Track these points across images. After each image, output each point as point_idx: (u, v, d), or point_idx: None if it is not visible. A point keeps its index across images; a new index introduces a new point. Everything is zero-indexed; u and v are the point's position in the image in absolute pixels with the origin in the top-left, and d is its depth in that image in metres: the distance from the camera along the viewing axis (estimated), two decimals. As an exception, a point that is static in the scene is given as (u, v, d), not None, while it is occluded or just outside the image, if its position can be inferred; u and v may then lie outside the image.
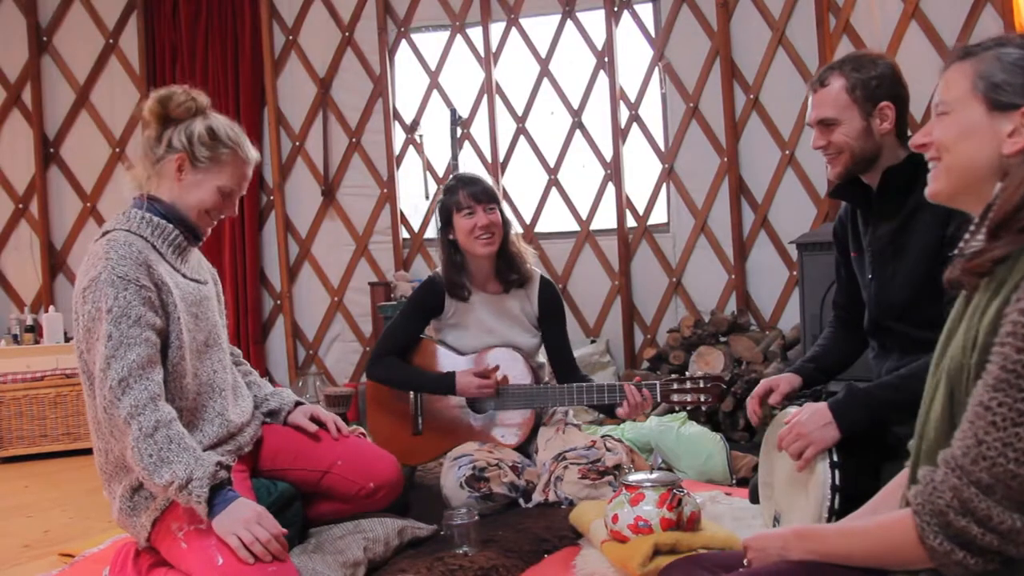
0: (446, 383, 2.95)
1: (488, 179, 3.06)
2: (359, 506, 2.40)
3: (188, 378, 2.12)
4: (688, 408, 2.80)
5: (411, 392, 3.05)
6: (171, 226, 2.15)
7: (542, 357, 3.12)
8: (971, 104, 1.27)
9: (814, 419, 2.02)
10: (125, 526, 2.14)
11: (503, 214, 3.00)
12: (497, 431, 3.00)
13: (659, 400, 2.74)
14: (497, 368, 2.95)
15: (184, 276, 2.18)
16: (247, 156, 2.23)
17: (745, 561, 1.40)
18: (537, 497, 2.80)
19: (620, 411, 2.78)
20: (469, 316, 3.04)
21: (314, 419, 2.44)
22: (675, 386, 2.72)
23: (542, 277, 3.10)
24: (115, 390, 1.95)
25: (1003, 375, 1.13)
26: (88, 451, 4.43)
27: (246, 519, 1.92)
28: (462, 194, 2.96)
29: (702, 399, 2.71)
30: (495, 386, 2.93)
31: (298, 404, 2.48)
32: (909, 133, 2.15)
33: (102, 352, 1.97)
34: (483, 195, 2.95)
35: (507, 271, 3.02)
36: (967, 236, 1.29)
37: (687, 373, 2.76)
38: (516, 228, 3.13)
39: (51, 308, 4.90)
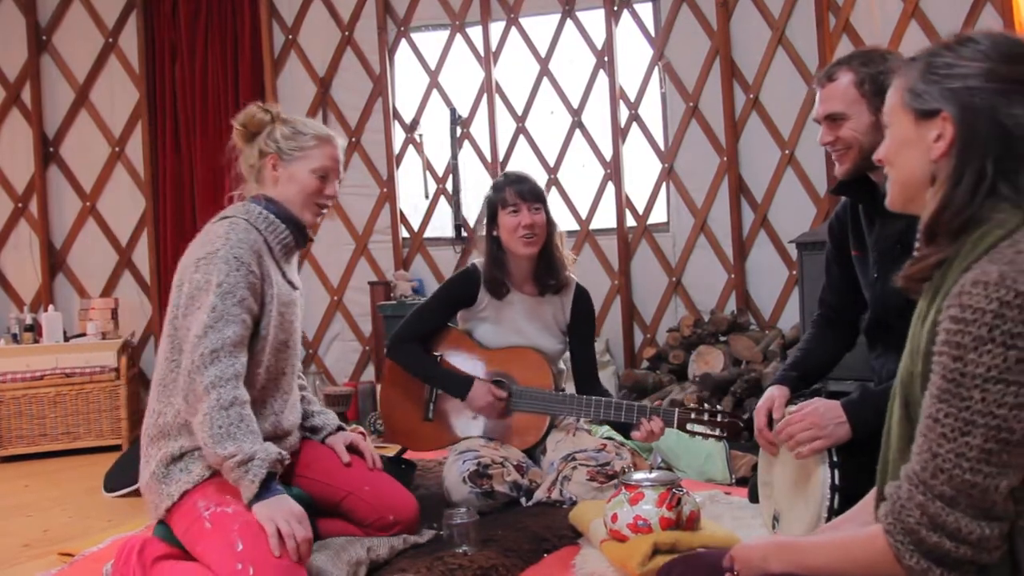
0: (460, 387, 2.94)
1: (537, 180, 3.05)
2: (370, 533, 2.42)
3: (261, 369, 2.25)
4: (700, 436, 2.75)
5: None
6: (283, 225, 2.33)
7: (563, 365, 3.13)
8: (901, 116, 1.31)
9: (829, 414, 2.01)
10: (149, 492, 2.17)
11: (549, 216, 3.00)
12: (503, 431, 2.99)
13: (675, 427, 2.70)
14: (509, 396, 2.94)
15: (283, 276, 2.35)
16: (327, 135, 2.44)
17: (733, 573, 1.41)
18: (540, 494, 2.78)
19: (636, 434, 2.74)
20: (501, 313, 3.04)
21: (352, 447, 2.53)
22: (693, 416, 2.69)
23: (578, 285, 3.10)
24: (205, 357, 2.07)
25: (944, 384, 1.14)
26: (87, 451, 4.48)
27: (288, 512, 1.99)
28: (509, 191, 2.96)
29: (717, 433, 2.67)
30: (501, 412, 2.94)
31: (339, 428, 2.59)
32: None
33: (202, 320, 2.09)
34: (530, 194, 2.96)
35: (545, 275, 3.02)
36: (916, 243, 1.32)
37: (706, 405, 2.72)
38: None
39: (50, 307, 4.89)
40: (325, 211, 2.45)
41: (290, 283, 2.38)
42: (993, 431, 1.11)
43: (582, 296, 3.10)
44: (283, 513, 1.98)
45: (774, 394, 2.25)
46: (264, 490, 2.00)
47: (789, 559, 1.32)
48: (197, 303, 2.12)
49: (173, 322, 2.19)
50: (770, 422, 2.21)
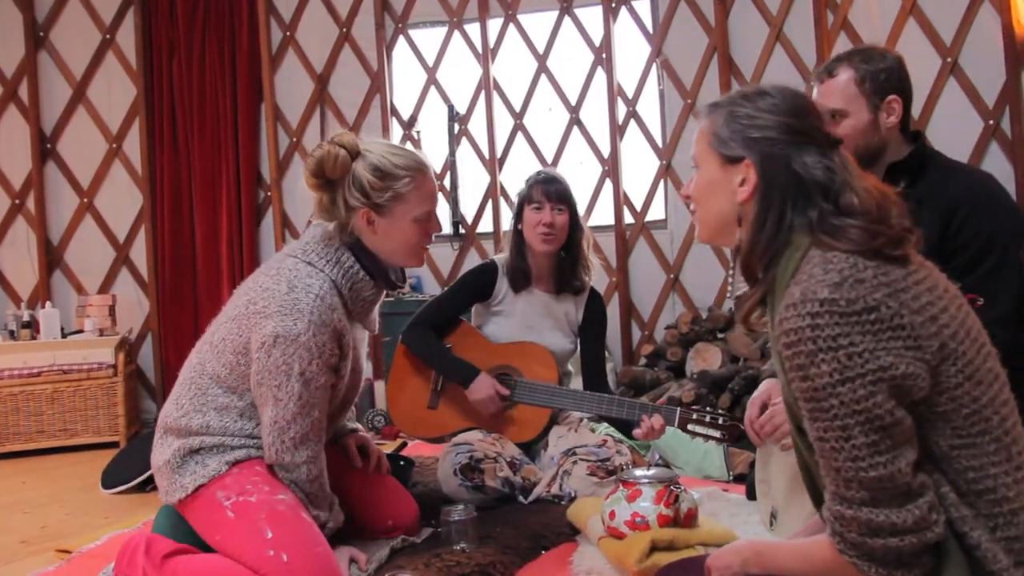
0: (465, 376, 2.97)
1: (564, 183, 3.07)
2: (370, 536, 2.43)
3: (336, 401, 2.28)
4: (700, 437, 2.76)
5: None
6: (371, 283, 2.19)
7: (571, 367, 3.16)
8: (709, 160, 1.43)
9: None
10: (161, 477, 2.18)
11: (576, 220, 3.04)
12: (505, 424, 3.01)
13: (676, 427, 2.72)
14: (511, 394, 2.97)
15: (362, 327, 2.30)
16: (421, 165, 2.20)
17: None
18: (540, 489, 2.81)
19: (637, 432, 2.75)
20: (514, 308, 3.09)
21: (362, 448, 2.55)
22: (694, 416, 2.70)
23: (592, 288, 3.15)
24: (295, 441, 2.09)
25: (808, 406, 1.21)
26: (84, 447, 4.47)
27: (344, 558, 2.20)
28: (536, 189, 3.02)
29: (718, 436, 2.68)
30: (498, 411, 2.95)
31: (353, 431, 2.60)
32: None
33: (289, 408, 2.06)
34: (555, 195, 3.00)
35: (569, 275, 3.07)
36: (731, 280, 1.42)
37: (708, 408, 2.73)
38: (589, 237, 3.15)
39: (48, 304, 4.88)
40: (429, 245, 2.30)
41: (367, 328, 2.34)
42: (866, 425, 1.17)
43: (596, 298, 3.16)
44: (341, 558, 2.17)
45: (770, 386, 2.26)
46: None
47: (766, 564, 1.35)
48: (276, 382, 2.05)
49: (237, 356, 2.11)
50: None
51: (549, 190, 3.00)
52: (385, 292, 2.31)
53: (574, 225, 3.04)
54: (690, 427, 2.69)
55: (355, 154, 2.13)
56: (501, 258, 3.14)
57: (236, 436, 2.15)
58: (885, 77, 2.11)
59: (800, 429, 1.30)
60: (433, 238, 2.29)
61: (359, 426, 2.64)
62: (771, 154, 1.35)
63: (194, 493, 2.09)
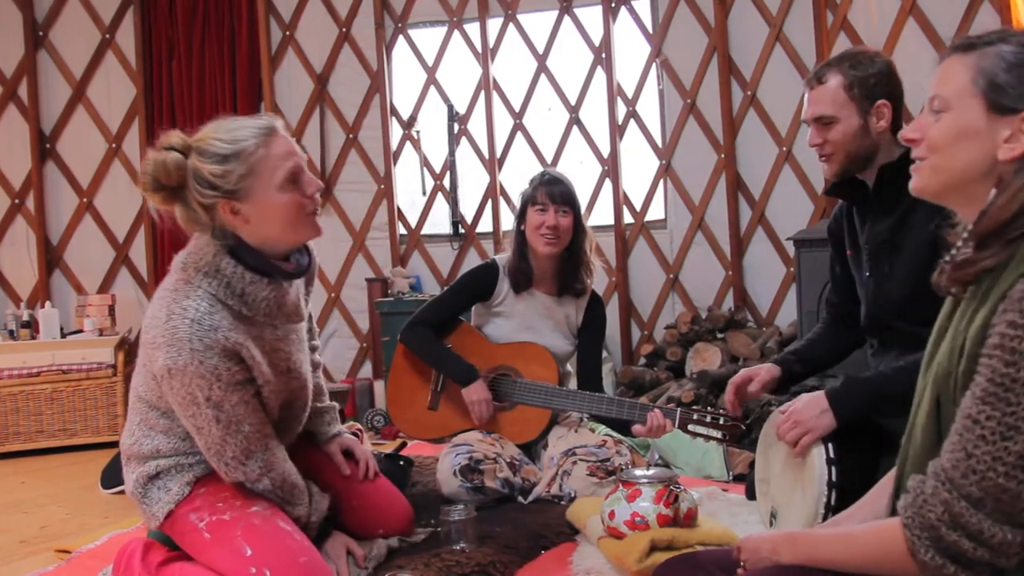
0: (463, 375, 2.97)
1: (569, 185, 3.06)
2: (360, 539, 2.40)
3: (272, 412, 2.13)
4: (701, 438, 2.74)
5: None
6: (264, 280, 1.96)
7: (570, 368, 3.16)
8: (970, 103, 1.22)
9: (811, 406, 2.03)
10: (136, 506, 2.14)
11: (579, 223, 3.03)
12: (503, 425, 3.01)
13: (677, 427, 2.71)
14: (508, 403, 2.98)
15: (275, 327, 2.05)
16: (265, 131, 1.93)
17: (741, 565, 1.41)
18: (540, 489, 2.81)
19: (637, 428, 2.74)
20: (515, 308, 3.08)
21: (348, 452, 2.45)
22: (695, 416, 2.68)
23: (593, 291, 3.15)
24: (238, 458, 2.00)
25: (991, 388, 1.12)
26: (84, 447, 4.47)
27: (335, 554, 2.18)
28: (541, 190, 3.01)
29: (719, 436, 2.66)
30: (484, 417, 2.96)
31: (335, 436, 2.47)
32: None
33: (213, 432, 1.96)
34: (559, 196, 2.99)
35: (570, 277, 3.06)
36: (959, 243, 1.28)
37: (709, 408, 2.72)
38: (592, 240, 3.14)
39: (47, 304, 4.88)
40: (320, 210, 2.02)
41: (284, 325, 2.09)
42: None
43: (596, 302, 3.16)
44: (342, 554, 2.19)
45: (762, 368, 2.29)
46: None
47: (800, 552, 1.32)
48: (190, 412, 1.94)
49: (156, 378, 1.96)
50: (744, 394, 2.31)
51: (553, 192, 2.99)
52: (295, 280, 2.08)
53: (577, 227, 3.03)
54: (690, 427, 2.68)
55: (186, 151, 1.89)
56: (502, 258, 3.13)
57: (188, 454, 2.08)
58: (875, 82, 2.12)
59: (937, 402, 1.24)
60: (318, 198, 2.00)
61: (343, 429, 2.52)
62: None
63: (168, 519, 2.05)
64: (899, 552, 1.18)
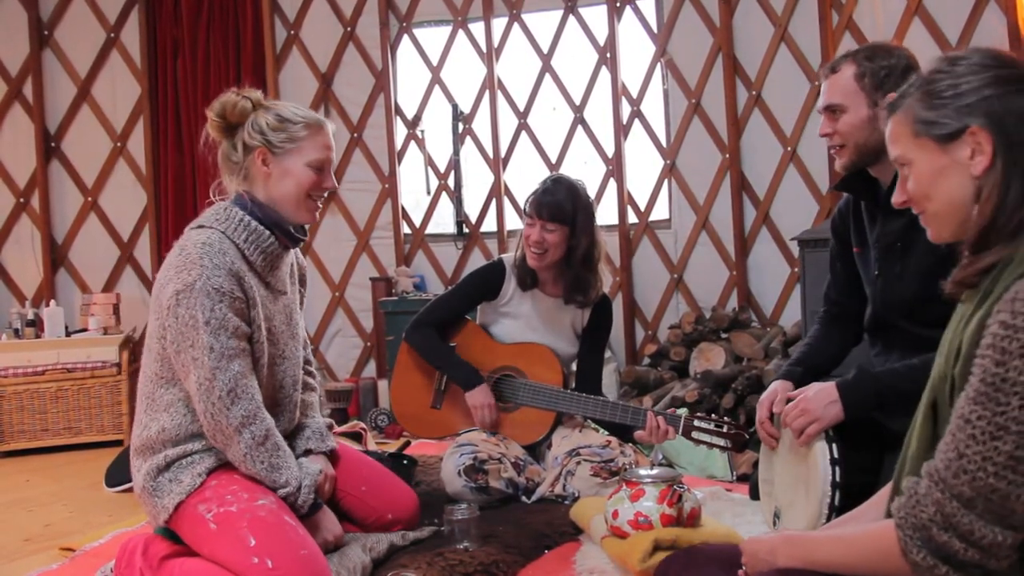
0: (467, 380, 2.97)
1: (569, 198, 2.93)
2: (369, 531, 2.41)
3: (260, 386, 2.17)
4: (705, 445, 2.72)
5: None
6: (267, 232, 2.16)
7: (575, 367, 3.14)
8: (922, 147, 1.29)
9: (820, 396, 2.02)
10: (143, 503, 2.16)
11: (576, 237, 2.92)
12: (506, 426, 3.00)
13: (680, 434, 2.69)
14: (511, 405, 2.98)
15: (268, 286, 2.21)
16: (319, 121, 2.24)
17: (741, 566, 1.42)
18: (543, 489, 2.80)
19: (639, 434, 2.73)
20: (521, 309, 3.07)
21: (333, 455, 2.45)
22: (698, 423, 2.67)
23: (604, 295, 3.10)
24: (224, 400, 2.04)
25: (983, 388, 1.13)
26: (88, 446, 4.48)
27: (331, 524, 2.22)
28: (532, 203, 2.96)
29: (722, 444, 2.65)
30: (487, 422, 2.95)
31: (307, 452, 2.38)
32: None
33: (204, 363, 2.03)
34: (547, 210, 2.90)
35: (574, 290, 3.00)
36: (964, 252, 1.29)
37: (713, 415, 2.71)
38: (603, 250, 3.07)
39: (52, 302, 4.89)
40: (321, 204, 2.29)
41: (279, 291, 2.26)
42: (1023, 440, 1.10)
43: (605, 305, 3.11)
44: (329, 526, 2.21)
45: (777, 388, 2.25)
46: (312, 505, 2.17)
47: (797, 554, 1.33)
48: (188, 340, 2.03)
49: (161, 342, 2.10)
50: (773, 417, 2.21)
51: (541, 206, 2.92)
52: (294, 245, 2.28)
53: (573, 242, 2.93)
54: (694, 435, 2.67)
55: (256, 106, 2.21)
56: (508, 257, 3.11)
57: (194, 438, 2.12)
58: (886, 74, 2.10)
59: (933, 405, 1.24)
60: (326, 196, 2.31)
61: (313, 447, 2.39)
62: (996, 111, 1.23)
63: (176, 511, 2.07)
64: (892, 554, 1.19)
